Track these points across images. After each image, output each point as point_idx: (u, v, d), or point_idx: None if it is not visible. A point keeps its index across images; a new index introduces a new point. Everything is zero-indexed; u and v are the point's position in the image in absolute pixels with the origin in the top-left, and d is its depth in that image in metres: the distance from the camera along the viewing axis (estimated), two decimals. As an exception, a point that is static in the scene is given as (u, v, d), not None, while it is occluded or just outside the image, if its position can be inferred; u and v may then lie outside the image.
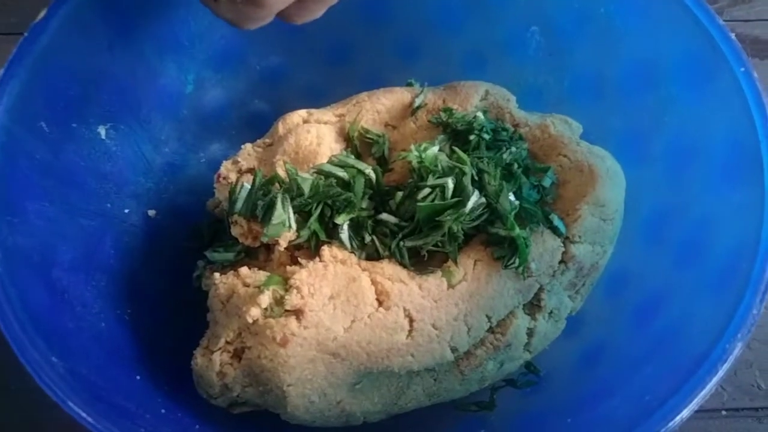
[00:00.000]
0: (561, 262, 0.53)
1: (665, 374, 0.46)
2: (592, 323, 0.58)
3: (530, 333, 0.54)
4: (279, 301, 0.48)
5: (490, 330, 0.52)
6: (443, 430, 0.57)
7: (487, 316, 0.51)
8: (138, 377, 0.50)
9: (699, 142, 0.55)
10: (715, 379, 0.43)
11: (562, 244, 0.53)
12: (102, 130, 0.58)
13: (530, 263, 0.51)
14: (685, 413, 0.42)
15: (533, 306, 0.54)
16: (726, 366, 0.43)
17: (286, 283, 0.49)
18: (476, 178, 0.52)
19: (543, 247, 0.52)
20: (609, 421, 0.47)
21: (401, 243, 0.52)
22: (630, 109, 0.60)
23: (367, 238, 0.52)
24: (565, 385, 0.56)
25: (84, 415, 0.40)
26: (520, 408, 0.57)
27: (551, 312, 0.54)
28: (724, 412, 0.66)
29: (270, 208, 0.51)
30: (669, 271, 0.54)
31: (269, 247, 0.54)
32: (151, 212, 0.62)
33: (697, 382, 0.43)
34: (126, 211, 0.60)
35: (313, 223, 0.51)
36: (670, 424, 0.41)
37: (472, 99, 0.59)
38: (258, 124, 0.64)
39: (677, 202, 0.56)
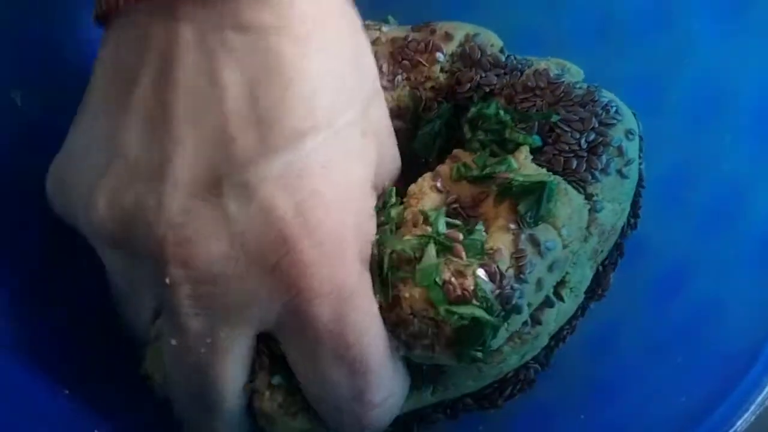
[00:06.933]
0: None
1: (703, 369, 0.41)
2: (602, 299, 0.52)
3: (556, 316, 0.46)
4: None
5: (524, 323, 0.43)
6: (438, 427, 0.52)
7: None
8: (66, 391, 0.44)
9: (728, 87, 0.51)
10: (777, 378, 0.36)
11: (587, 202, 0.44)
12: (17, 96, 0.52)
13: (561, 229, 0.42)
14: (740, 426, 0.34)
15: (558, 284, 0.45)
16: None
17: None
18: None
19: (570, 207, 0.43)
20: (638, 424, 0.41)
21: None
22: (642, 51, 0.56)
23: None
24: (573, 372, 0.51)
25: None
26: (523, 400, 0.51)
27: (572, 288, 0.46)
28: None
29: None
30: (694, 237, 0.50)
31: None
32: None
33: (755, 382, 0.36)
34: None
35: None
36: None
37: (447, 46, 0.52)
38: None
39: (701, 158, 0.52)
